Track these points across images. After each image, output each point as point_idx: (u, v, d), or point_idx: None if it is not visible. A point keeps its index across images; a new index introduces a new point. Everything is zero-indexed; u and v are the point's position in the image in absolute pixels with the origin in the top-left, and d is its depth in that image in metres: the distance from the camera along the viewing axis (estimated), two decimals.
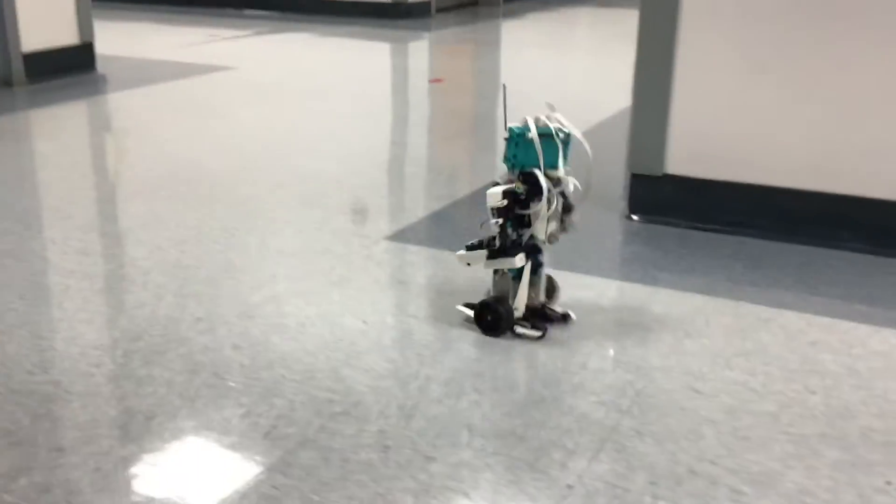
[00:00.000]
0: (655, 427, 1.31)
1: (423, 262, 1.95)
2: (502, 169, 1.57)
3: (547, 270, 1.62)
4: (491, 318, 1.58)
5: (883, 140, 1.94)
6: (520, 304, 1.58)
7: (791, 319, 1.66)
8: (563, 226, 1.59)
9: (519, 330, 1.58)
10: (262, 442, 1.27)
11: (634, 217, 2.23)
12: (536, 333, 1.57)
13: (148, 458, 1.23)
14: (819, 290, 1.79)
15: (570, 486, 1.17)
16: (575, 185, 1.60)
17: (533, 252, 1.57)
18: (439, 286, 1.81)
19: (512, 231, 1.56)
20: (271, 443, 1.27)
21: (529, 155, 1.54)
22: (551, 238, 1.57)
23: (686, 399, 1.39)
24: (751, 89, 2.03)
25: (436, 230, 2.15)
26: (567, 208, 1.59)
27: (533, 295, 1.60)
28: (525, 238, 1.57)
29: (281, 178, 2.54)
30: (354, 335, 1.59)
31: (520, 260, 1.55)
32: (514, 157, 1.55)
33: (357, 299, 1.74)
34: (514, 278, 1.59)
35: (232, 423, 1.32)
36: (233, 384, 1.42)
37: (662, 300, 1.75)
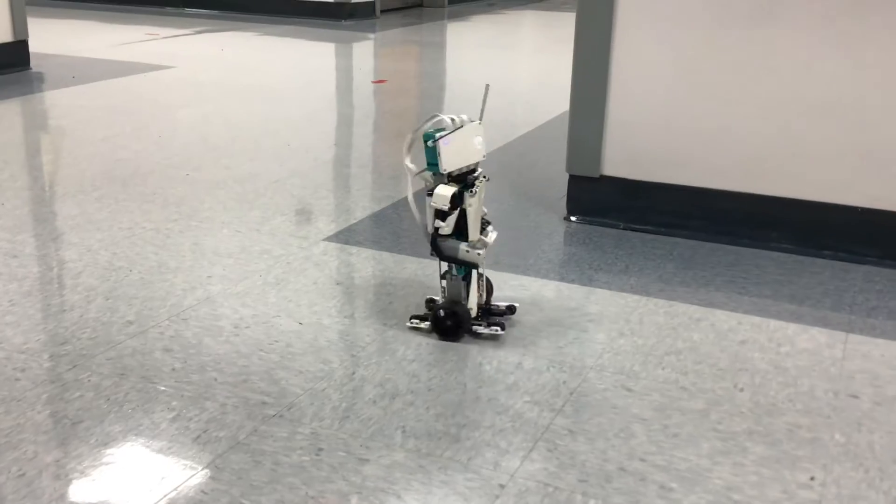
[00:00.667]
0: (587, 426, 1.32)
1: (361, 263, 1.94)
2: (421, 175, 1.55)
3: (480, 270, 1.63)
4: (452, 322, 1.57)
5: (809, 142, 1.99)
6: (473, 303, 1.59)
7: (721, 318, 1.69)
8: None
9: (479, 330, 1.59)
10: (192, 446, 1.25)
11: (573, 218, 2.25)
12: (498, 331, 1.58)
13: (74, 464, 1.20)
14: (748, 290, 1.83)
15: (502, 486, 1.18)
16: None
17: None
18: (377, 287, 1.81)
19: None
20: (201, 447, 1.25)
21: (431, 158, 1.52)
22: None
23: (618, 398, 1.40)
24: (684, 92, 2.07)
25: (376, 231, 2.15)
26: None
27: (480, 293, 1.61)
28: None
29: (219, 178, 2.51)
30: (290, 337, 1.58)
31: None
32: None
33: (294, 301, 1.73)
34: (463, 279, 1.59)
35: (161, 427, 1.29)
36: (163, 388, 1.40)
37: (598, 300, 1.77)
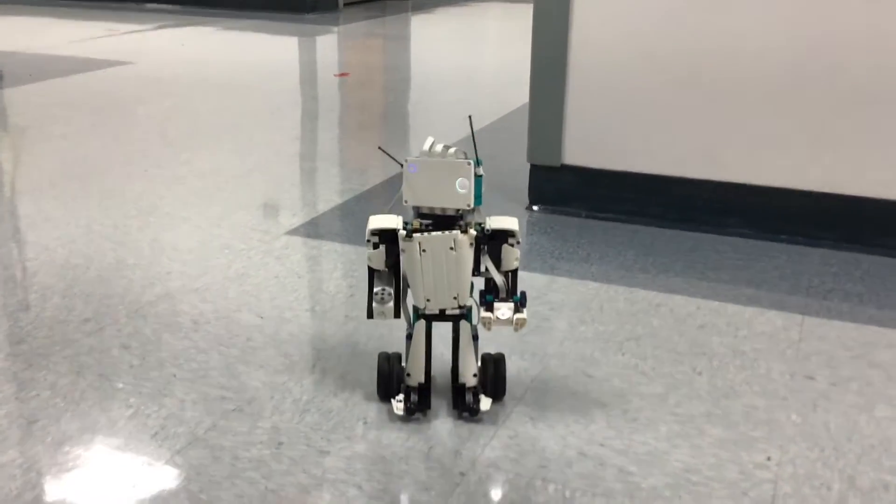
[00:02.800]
0: (548, 412, 1.33)
1: (323, 256, 1.93)
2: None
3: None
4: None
5: (766, 128, 2.01)
6: (412, 369, 1.30)
7: (680, 304, 1.71)
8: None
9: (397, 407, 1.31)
10: (149, 443, 1.24)
11: (535, 208, 2.26)
12: (399, 411, 1.29)
13: (29, 464, 1.19)
14: (707, 275, 1.85)
15: (462, 474, 1.18)
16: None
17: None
18: (339, 280, 1.80)
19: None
20: (159, 443, 1.24)
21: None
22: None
23: (578, 384, 1.41)
24: (642, 80, 2.08)
25: (338, 224, 2.14)
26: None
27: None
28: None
29: (178, 173, 2.48)
30: (250, 331, 1.57)
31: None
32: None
33: (255, 295, 1.72)
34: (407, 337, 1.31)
35: (119, 424, 1.28)
36: (121, 385, 1.38)
37: (560, 288, 1.78)
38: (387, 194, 2.38)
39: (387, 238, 1.25)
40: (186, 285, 1.75)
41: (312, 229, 2.09)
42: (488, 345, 1.45)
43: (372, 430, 1.28)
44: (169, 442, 1.24)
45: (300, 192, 2.39)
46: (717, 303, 1.71)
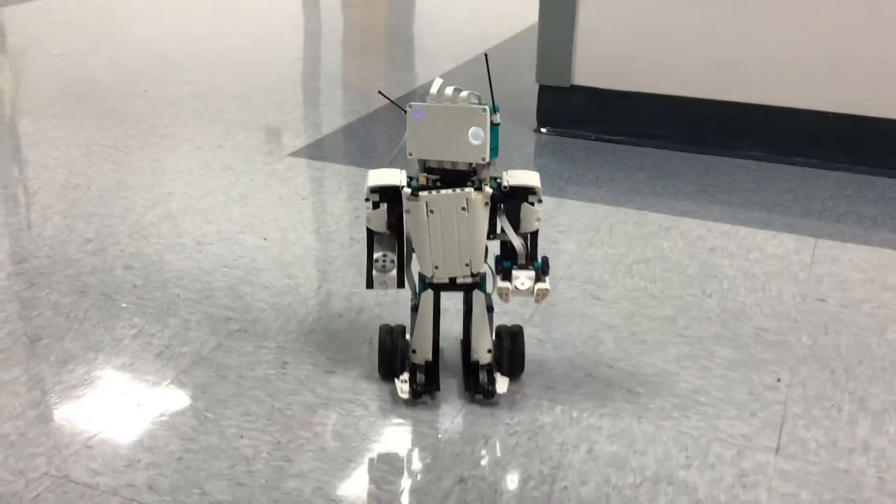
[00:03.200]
0: (556, 335, 1.32)
1: (327, 178, 1.90)
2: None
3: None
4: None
5: (782, 48, 1.95)
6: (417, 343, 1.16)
7: (691, 227, 1.68)
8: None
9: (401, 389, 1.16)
10: (154, 362, 1.23)
11: (543, 130, 2.21)
12: (404, 393, 1.15)
13: (33, 382, 1.18)
14: (719, 198, 1.82)
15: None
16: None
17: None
18: (344, 202, 1.77)
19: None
20: (164, 362, 1.23)
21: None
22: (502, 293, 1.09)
23: (587, 307, 1.40)
24: None
25: (342, 146, 2.10)
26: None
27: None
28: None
29: (179, 94, 2.43)
30: (254, 252, 1.55)
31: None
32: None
33: (258, 216, 1.69)
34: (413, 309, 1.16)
35: (123, 343, 1.27)
36: (124, 305, 1.37)
37: (568, 211, 1.75)
38: (392, 119, 2.34)
39: (388, 196, 1.07)
40: (189, 206, 1.73)
41: (316, 151, 2.05)
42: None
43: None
44: (174, 361, 1.23)
45: (303, 113, 2.34)
46: (728, 226, 1.68)
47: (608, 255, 1.56)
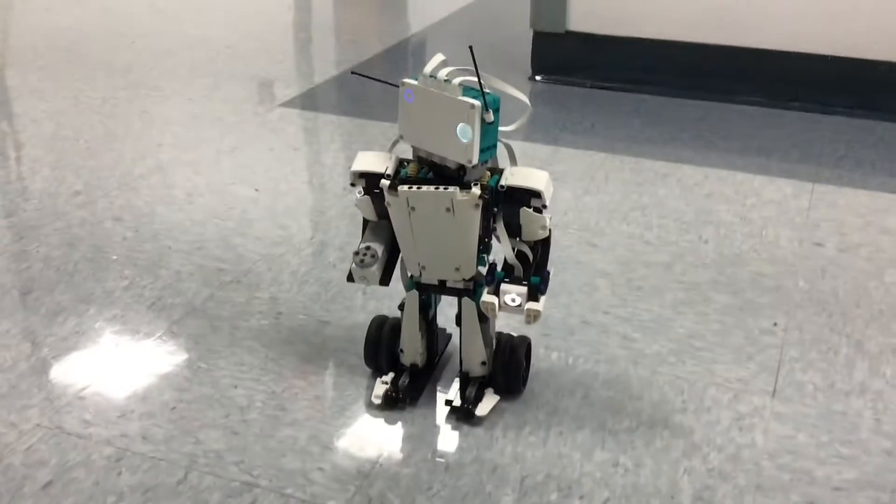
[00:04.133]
0: (552, 283, 1.30)
1: (318, 129, 1.87)
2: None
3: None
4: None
5: None
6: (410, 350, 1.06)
7: (688, 173, 1.66)
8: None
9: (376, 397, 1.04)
10: (146, 313, 1.22)
11: (538, 77, 2.18)
12: (377, 398, 1.03)
13: (24, 334, 1.17)
14: (716, 144, 1.79)
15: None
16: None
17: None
18: (336, 152, 1.75)
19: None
20: (157, 313, 1.22)
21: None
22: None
23: (582, 254, 1.38)
24: None
25: (333, 96, 2.07)
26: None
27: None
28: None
29: (168, 45, 2.39)
30: (246, 203, 1.53)
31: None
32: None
33: (249, 167, 1.67)
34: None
35: (114, 295, 1.26)
36: (115, 257, 1.35)
37: (564, 159, 1.73)
38: (385, 70, 2.30)
39: (374, 183, 0.95)
40: (178, 158, 1.70)
41: (308, 101, 2.02)
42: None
43: (371, 300, 1.25)
44: (166, 312, 1.22)
45: (294, 63, 2.31)
46: (725, 171, 1.66)
47: (604, 203, 1.55)
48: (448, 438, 0.99)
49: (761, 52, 1.97)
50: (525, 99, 0.94)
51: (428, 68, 0.90)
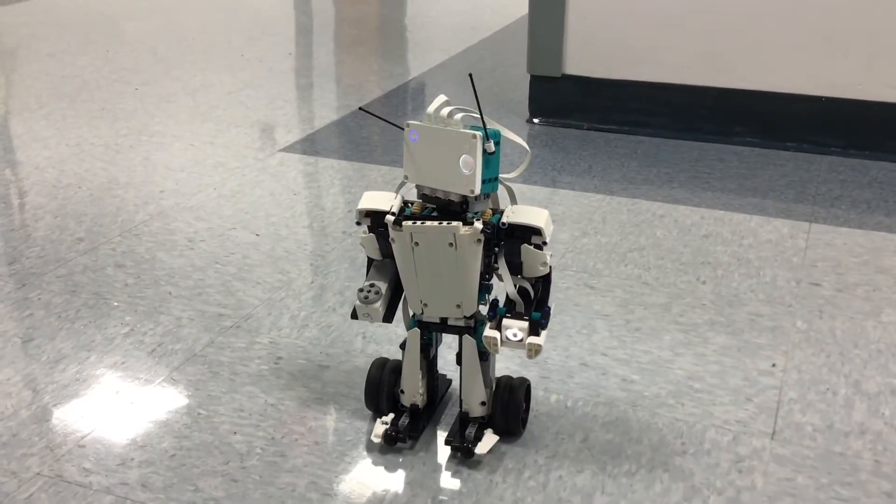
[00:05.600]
0: (550, 324, 1.30)
1: (320, 173, 1.89)
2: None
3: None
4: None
5: (774, 32, 1.94)
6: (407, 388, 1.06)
7: (685, 214, 1.67)
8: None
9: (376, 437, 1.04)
10: (146, 360, 1.22)
11: (535, 120, 2.20)
12: (377, 437, 1.03)
13: (25, 382, 1.17)
14: (712, 185, 1.81)
15: None
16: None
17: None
18: (336, 196, 1.76)
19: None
20: (157, 360, 1.22)
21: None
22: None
23: (581, 296, 1.39)
24: None
25: (335, 140, 2.09)
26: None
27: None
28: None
29: (169, 91, 2.42)
30: (246, 249, 1.54)
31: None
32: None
33: (250, 212, 1.68)
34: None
35: (115, 342, 1.26)
36: (116, 304, 1.36)
37: (561, 201, 1.74)
38: (384, 113, 2.33)
39: (379, 222, 0.98)
40: (180, 203, 1.72)
41: (308, 146, 2.05)
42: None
43: (371, 343, 1.26)
44: (167, 359, 1.22)
45: (295, 108, 2.34)
46: (722, 212, 1.68)
47: (602, 244, 1.56)
48: (448, 483, 0.99)
49: (756, 93, 2.00)
50: (524, 144, 0.98)
51: (431, 108, 0.93)
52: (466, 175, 0.91)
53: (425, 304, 1.00)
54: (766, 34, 1.95)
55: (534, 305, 0.97)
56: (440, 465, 1.02)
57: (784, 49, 1.95)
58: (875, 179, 1.83)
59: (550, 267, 0.97)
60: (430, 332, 1.04)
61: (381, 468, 1.01)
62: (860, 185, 1.81)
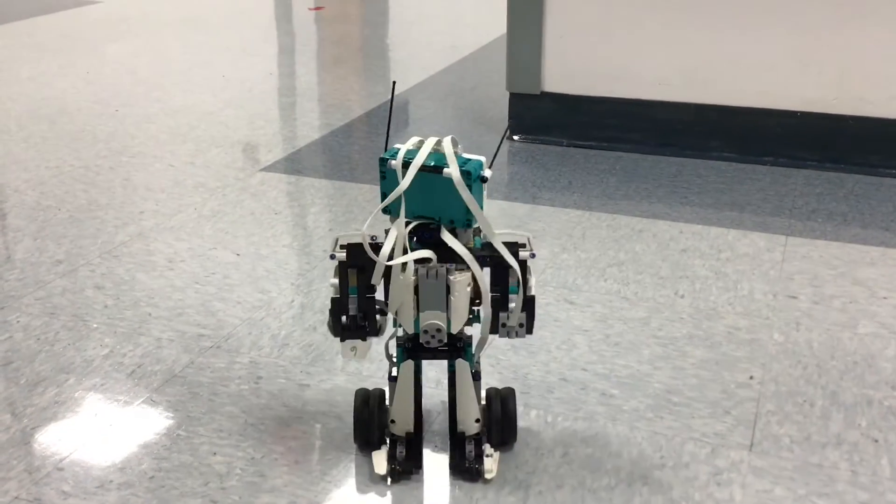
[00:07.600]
0: (530, 340, 1.32)
1: (300, 192, 1.89)
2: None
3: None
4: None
5: (749, 48, 1.97)
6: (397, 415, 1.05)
7: (663, 228, 1.69)
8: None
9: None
10: (126, 381, 1.22)
11: (515, 137, 2.22)
12: (381, 469, 1.03)
13: (3, 406, 1.17)
14: (690, 200, 1.83)
15: (444, 402, 1.17)
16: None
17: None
18: (317, 215, 1.77)
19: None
20: (136, 381, 1.22)
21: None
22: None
23: (560, 311, 1.40)
24: (621, 2, 2.03)
25: (316, 159, 2.10)
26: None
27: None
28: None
29: (149, 112, 2.42)
30: (227, 268, 1.54)
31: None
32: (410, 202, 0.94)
33: (230, 232, 1.68)
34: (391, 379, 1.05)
35: (94, 364, 1.26)
36: (95, 325, 1.36)
37: (541, 217, 1.76)
38: (365, 132, 2.34)
39: (359, 257, 0.95)
40: (160, 224, 1.72)
41: (290, 165, 2.05)
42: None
43: (352, 362, 1.26)
44: (146, 380, 1.22)
45: (276, 128, 2.34)
46: (700, 226, 1.69)
47: (581, 260, 1.57)
48: (430, 499, 0.99)
49: (732, 108, 2.02)
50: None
51: (405, 148, 0.93)
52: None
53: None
54: (742, 51, 1.97)
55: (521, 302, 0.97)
56: (421, 482, 1.02)
57: (760, 65, 1.97)
58: (850, 192, 1.86)
59: (534, 296, 0.97)
60: (419, 360, 1.01)
61: (362, 486, 1.01)
62: (836, 198, 1.83)
